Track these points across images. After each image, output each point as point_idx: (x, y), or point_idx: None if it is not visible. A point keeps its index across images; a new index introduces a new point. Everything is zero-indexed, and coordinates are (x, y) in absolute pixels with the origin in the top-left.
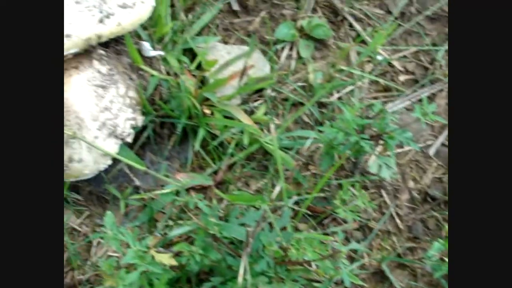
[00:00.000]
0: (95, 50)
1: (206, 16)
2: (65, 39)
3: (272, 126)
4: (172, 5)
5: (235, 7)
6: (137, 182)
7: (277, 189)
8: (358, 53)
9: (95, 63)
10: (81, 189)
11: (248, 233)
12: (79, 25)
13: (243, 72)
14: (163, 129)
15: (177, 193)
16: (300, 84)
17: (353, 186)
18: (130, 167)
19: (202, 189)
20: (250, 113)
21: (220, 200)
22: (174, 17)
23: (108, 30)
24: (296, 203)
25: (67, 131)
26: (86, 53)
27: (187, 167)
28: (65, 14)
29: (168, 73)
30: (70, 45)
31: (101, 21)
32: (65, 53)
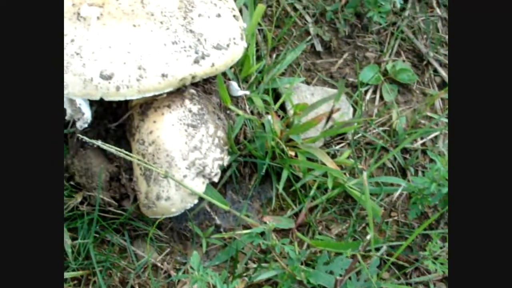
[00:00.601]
0: (187, 89)
1: (290, 56)
2: (161, 78)
3: (365, 175)
4: (256, 44)
5: (318, 48)
6: (218, 221)
7: (367, 238)
8: (443, 99)
9: (187, 102)
10: (163, 225)
11: (337, 281)
12: (175, 66)
13: (330, 115)
14: (245, 168)
15: (260, 234)
16: (383, 128)
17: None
18: (211, 205)
19: (282, 231)
20: (332, 156)
21: (300, 242)
22: (258, 56)
23: (203, 70)
24: (378, 249)
25: (158, 170)
26: (178, 91)
27: (268, 208)
28: (162, 54)
29: (252, 113)
30: (166, 85)
31: (196, 61)
32: (160, 92)
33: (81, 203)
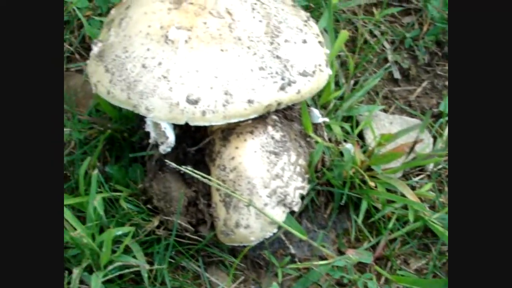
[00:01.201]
0: (270, 116)
1: (368, 84)
2: (247, 104)
3: None
4: None
5: (397, 75)
6: (293, 250)
7: None
8: None
9: (270, 128)
10: (237, 252)
11: None
12: (262, 92)
13: (413, 147)
14: (320, 196)
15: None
16: None
17: None
18: (286, 234)
19: (359, 263)
20: (412, 187)
21: (378, 276)
22: (336, 83)
23: (288, 97)
24: None
25: (242, 198)
26: (261, 117)
27: (345, 239)
28: (249, 80)
29: (329, 140)
30: (252, 111)
31: (282, 88)
32: (245, 119)
33: (158, 227)
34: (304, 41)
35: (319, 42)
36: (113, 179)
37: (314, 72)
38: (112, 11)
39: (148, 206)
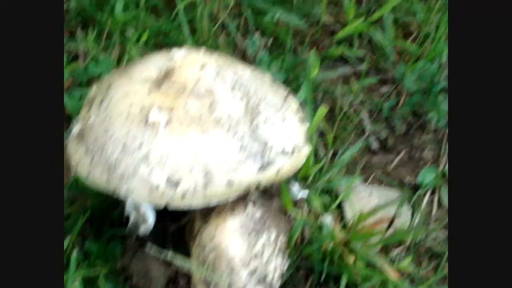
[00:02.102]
0: (250, 193)
1: (346, 155)
2: (227, 186)
3: None
4: None
5: (374, 146)
6: None
7: None
8: None
9: (250, 207)
10: None
11: None
12: (242, 173)
13: (391, 223)
14: (300, 270)
15: None
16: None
17: None
18: None
19: None
20: (392, 260)
21: None
22: (316, 153)
23: (267, 178)
24: None
25: (222, 281)
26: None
27: None
28: (229, 161)
29: (310, 211)
30: (231, 192)
31: (262, 169)
32: (224, 199)
33: None
34: (283, 119)
35: (299, 118)
36: (92, 255)
37: (293, 151)
38: (93, 89)
39: (128, 284)
